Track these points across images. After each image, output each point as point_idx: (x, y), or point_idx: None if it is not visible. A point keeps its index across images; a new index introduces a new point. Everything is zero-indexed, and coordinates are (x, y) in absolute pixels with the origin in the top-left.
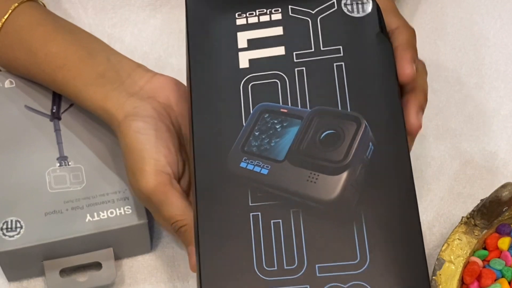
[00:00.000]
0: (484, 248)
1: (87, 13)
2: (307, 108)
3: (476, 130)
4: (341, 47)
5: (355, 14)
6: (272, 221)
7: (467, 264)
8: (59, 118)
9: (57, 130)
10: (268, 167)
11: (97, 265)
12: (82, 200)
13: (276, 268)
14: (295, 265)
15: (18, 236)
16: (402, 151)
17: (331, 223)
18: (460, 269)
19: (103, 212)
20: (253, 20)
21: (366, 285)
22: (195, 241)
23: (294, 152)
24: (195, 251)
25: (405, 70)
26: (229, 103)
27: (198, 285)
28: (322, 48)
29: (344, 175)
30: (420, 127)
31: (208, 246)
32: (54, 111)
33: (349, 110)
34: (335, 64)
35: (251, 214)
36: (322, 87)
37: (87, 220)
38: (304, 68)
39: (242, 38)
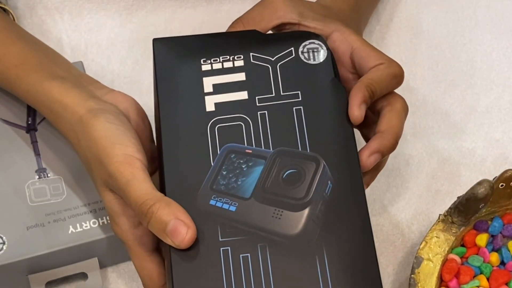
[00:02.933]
0: (462, 245)
1: (63, 19)
2: (270, 149)
3: (453, 127)
4: (299, 92)
5: (311, 62)
6: (241, 255)
7: (445, 261)
8: (35, 130)
9: (34, 142)
10: (236, 204)
11: (83, 275)
12: (63, 211)
13: None
14: None
15: (1, 252)
16: (358, 188)
17: (295, 257)
18: (438, 267)
19: (86, 223)
20: (217, 66)
21: None
22: (168, 277)
23: (259, 190)
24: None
25: (353, 112)
26: (197, 144)
27: None
28: (282, 93)
29: (306, 211)
30: (370, 166)
31: (181, 280)
32: (29, 122)
33: (308, 150)
34: (294, 108)
35: (221, 248)
36: (283, 129)
37: (70, 232)
38: (266, 111)
39: (208, 83)
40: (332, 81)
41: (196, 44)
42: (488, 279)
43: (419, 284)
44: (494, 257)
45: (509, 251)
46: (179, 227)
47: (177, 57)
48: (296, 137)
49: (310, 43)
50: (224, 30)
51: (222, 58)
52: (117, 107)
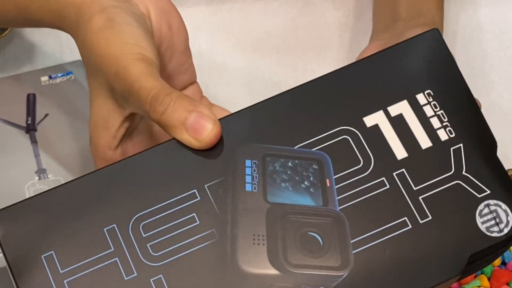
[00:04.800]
0: None
1: None
2: (337, 208)
3: None
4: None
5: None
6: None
7: None
8: (35, 130)
9: (33, 142)
10: (256, 189)
11: None
12: None
13: None
14: None
15: (1, 254)
16: None
17: None
18: None
19: None
20: None
21: None
22: None
23: (279, 210)
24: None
25: None
26: None
27: None
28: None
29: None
30: None
31: None
32: (29, 122)
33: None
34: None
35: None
36: (376, 218)
37: None
38: (387, 187)
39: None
40: None
41: None
42: (489, 279)
43: None
44: None
45: (510, 251)
46: (203, 120)
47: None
48: (371, 231)
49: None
50: (224, 29)
51: None
52: (137, 7)
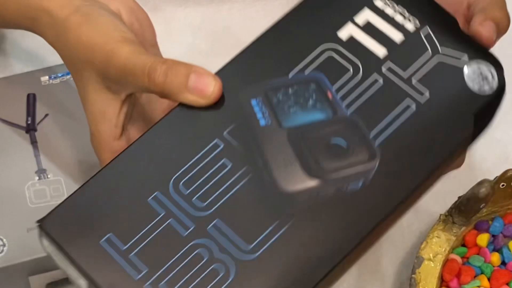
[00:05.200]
0: (463, 245)
1: None
2: (347, 111)
3: None
4: (428, 91)
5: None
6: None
7: (446, 261)
8: (35, 130)
9: (33, 142)
10: (267, 121)
11: None
12: None
13: None
14: None
15: (2, 254)
16: None
17: None
18: (439, 267)
19: None
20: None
21: None
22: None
23: (297, 131)
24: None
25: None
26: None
27: None
28: (412, 80)
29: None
30: (490, 36)
31: None
32: (29, 122)
33: (377, 145)
34: (408, 99)
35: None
36: (380, 106)
37: None
38: (382, 79)
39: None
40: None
41: None
42: (489, 279)
43: (419, 284)
44: (495, 257)
45: (510, 251)
46: (204, 79)
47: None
48: (383, 122)
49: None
50: (224, 29)
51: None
52: (107, 6)
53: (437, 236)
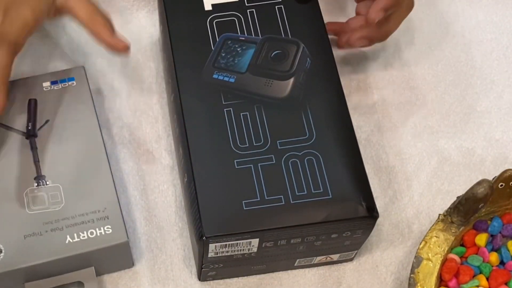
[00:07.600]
0: (462, 245)
1: (63, 20)
2: (259, 37)
3: (453, 127)
4: None
5: None
6: (241, 114)
7: (445, 261)
8: (35, 136)
9: (33, 148)
10: (234, 77)
11: (79, 284)
12: (61, 221)
13: (247, 145)
14: (262, 142)
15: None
16: (331, 63)
17: (285, 113)
18: (438, 267)
19: (83, 233)
20: None
21: (315, 152)
22: (182, 132)
23: (253, 66)
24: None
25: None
26: (200, 34)
27: (188, 160)
28: None
29: (291, 80)
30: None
31: (193, 133)
32: (29, 128)
33: (290, 37)
34: (276, 7)
35: (224, 109)
36: (269, 22)
37: (67, 242)
38: (254, 10)
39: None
40: None
41: None
42: (487, 278)
43: (418, 284)
44: (494, 257)
45: (508, 251)
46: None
47: None
48: (280, 28)
49: None
50: None
51: None
52: None
53: (436, 236)
